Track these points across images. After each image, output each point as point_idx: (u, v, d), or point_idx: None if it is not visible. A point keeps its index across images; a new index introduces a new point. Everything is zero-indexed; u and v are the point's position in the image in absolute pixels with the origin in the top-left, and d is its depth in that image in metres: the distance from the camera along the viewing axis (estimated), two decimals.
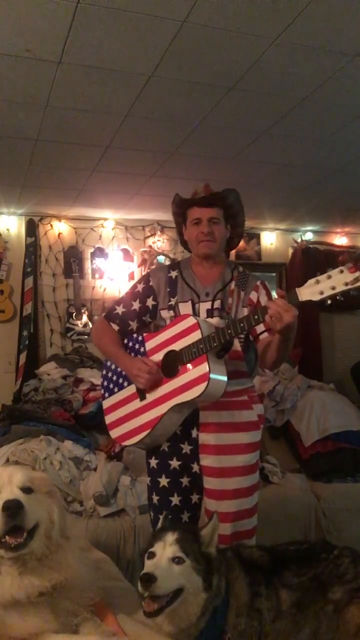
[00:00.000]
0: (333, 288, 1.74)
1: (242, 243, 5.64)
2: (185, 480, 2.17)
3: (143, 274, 2.32)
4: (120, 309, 2.34)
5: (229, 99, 3.03)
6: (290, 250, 5.86)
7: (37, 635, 1.47)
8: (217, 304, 2.21)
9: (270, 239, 5.83)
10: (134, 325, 2.32)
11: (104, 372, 2.41)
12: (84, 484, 3.37)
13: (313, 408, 4.28)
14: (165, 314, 2.27)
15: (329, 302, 1.78)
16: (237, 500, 2.11)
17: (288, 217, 5.45)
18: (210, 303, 2.22)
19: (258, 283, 2.26)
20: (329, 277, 1.75)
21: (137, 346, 2.27)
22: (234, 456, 2.12)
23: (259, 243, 5.78)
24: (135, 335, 2.31)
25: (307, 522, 3.61)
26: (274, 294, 2.00)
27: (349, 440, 4.13)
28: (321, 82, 2.90)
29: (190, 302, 2.23)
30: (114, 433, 2.27)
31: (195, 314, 2.20)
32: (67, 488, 3.30)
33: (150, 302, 2.31)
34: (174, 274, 2.31)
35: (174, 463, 2.17)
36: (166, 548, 1.62)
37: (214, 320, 2.17)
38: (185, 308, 2.22)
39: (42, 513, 1.55)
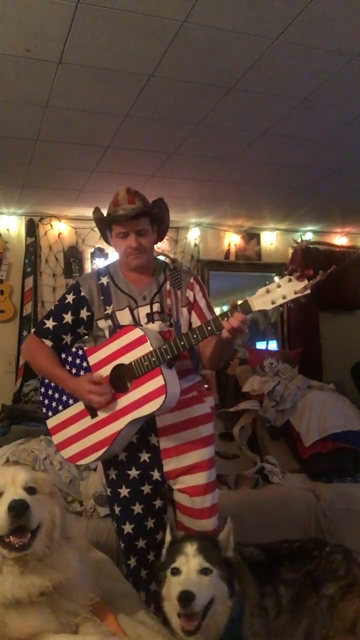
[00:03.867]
0: (284, 297, 1.79)
1: (242, 243, 5.65)
2: (146, 488, 2.12)
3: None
4: (50, 323, 2.18)
5: (229, 99, 3.03)
6: (290, 251, 5.85)
7: (37, 635, 1.47)
8: (156, 307, 2.15)
9: (270, 239, 5.82)
10: (68, 339, 2.19)
11: (43, 390, 2.25)
12: (84, 484, 3.37)
13: (313, 408, 4.27)
14: (103, 323, 2.17)
15: (281, 309, 1.85)
16: (211, 494, 2.12)
17: (288, 217, 5.45)
18: (148, 307, 2.16)
19: (192, 280, 2.23)
20: (279, 286, 1.80)
21: (78, 361, 2.15)
22: (199, 451, 2.12)
23: (259, 243, 5.77)
24: (74, 350, 2.18)
25: (307, 522, 3.60)
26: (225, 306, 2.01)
27: (349, 440, 4.13)
28: (321, 82, 2.90)
29: (127, 309, 2.15)
30: (66, 453, 2.16)
31: (135, 319, 2.14)
32: (67, 488, 3.30)
33: (84, 314, 2.19)
34: (104, 280, 2.21)
35: (133, 473, 2.12)
36: (190, 561, 1.58)
37: (156, 325, 2.13)
38: (123, 316, 2.14)
39: (44, 514, 1.55)
